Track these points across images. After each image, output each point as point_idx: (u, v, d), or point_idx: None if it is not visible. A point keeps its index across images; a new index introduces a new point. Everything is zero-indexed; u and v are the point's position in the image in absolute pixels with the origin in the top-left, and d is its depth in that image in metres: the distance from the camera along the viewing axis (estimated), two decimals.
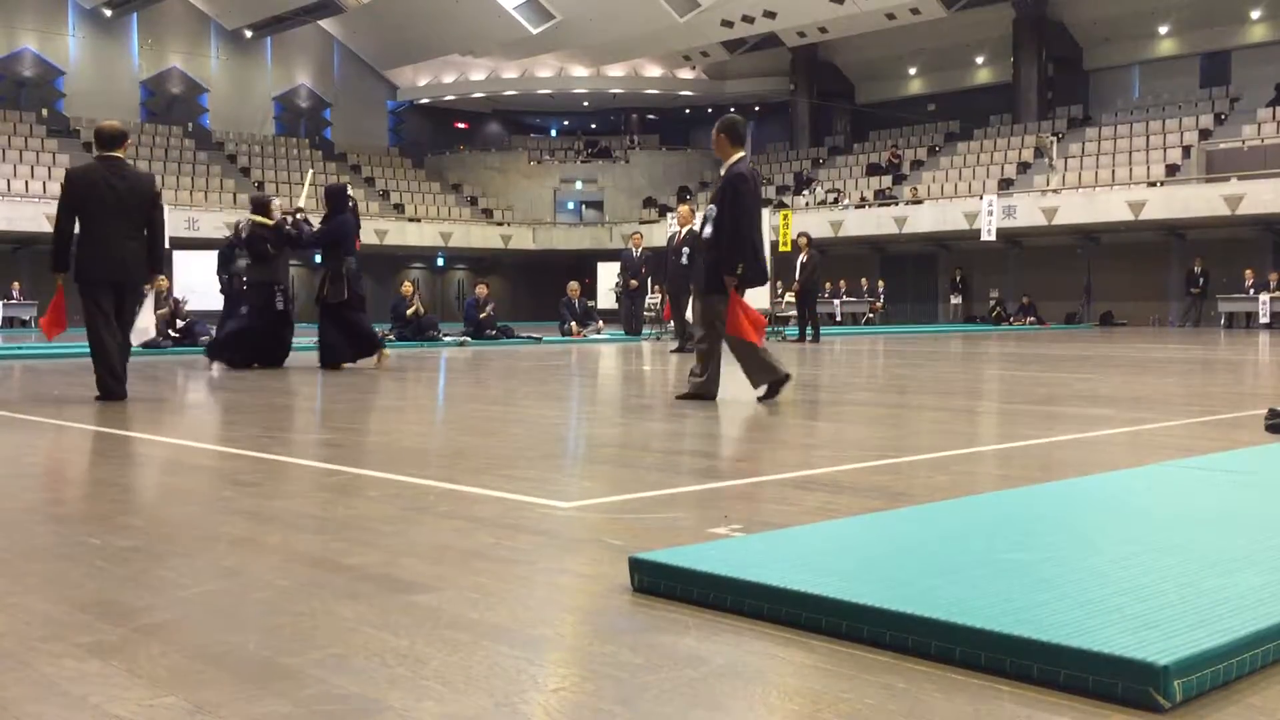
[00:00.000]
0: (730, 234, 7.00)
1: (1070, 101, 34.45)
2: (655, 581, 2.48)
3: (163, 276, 16.00)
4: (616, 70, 39.88)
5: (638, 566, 2.53)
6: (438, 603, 2.43)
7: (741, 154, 7.26)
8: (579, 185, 42.26)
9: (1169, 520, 3.07)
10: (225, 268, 15.71)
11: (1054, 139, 31.15)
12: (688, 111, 43.10)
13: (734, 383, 7.11)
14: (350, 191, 11.97)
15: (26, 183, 30.93)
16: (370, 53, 41.69)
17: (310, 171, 16.42)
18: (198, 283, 19.47)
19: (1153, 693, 1.77)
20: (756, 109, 43.00)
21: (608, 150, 42.76)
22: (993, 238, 28.79)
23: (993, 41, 35.31)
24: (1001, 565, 2.46)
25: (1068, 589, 2.24)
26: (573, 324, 19.78)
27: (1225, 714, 1.78)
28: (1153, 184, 27.83)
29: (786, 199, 34.08)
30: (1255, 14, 31.68)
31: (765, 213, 20.62)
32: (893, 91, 39.20)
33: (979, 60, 37.22)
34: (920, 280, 33.61)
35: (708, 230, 7.20)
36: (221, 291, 15.93)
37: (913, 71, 38.69)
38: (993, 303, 30.89)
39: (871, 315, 31.43)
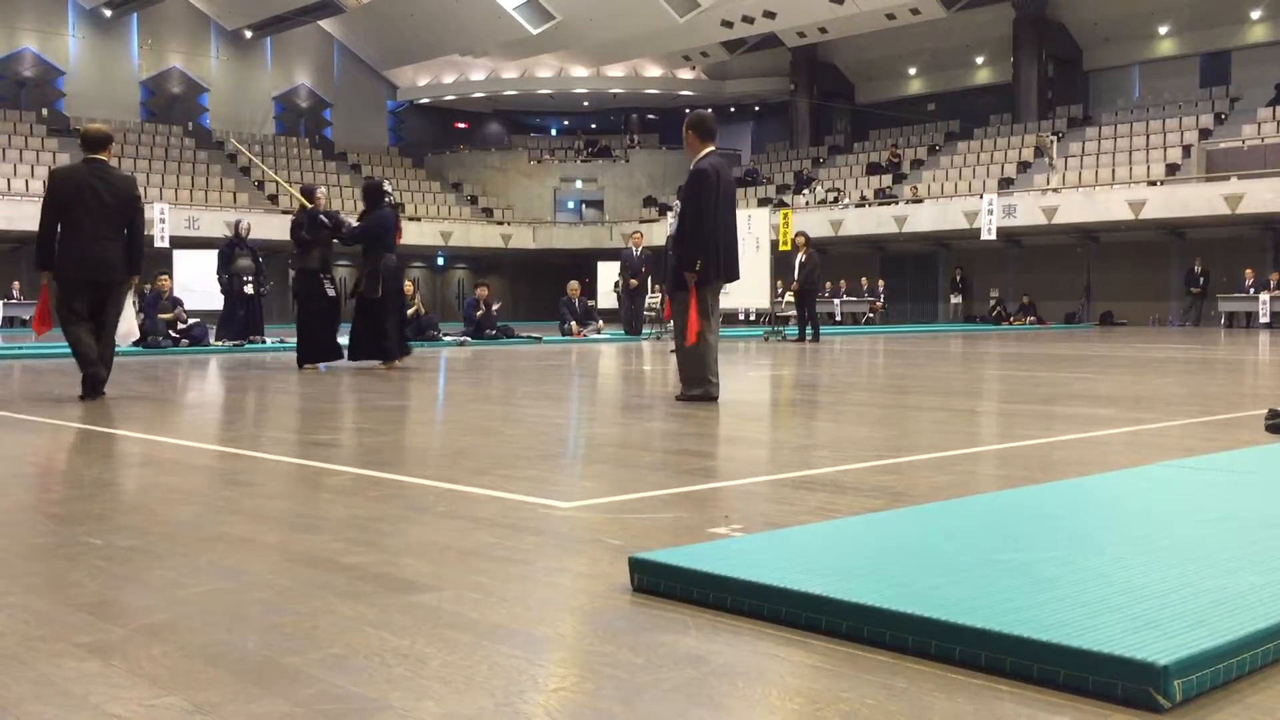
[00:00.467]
0: (690, 231, 7.00)
1: (1070, 101, 34.44)
2: (655, 581, 2.48)
3: (165, 277, 16.13)
4: (616, 70, 39.88)
5: (637, 566, 2.53)
6: (438, 602, 2.43)
7: (710, 149, 7.26)
8: (579, 185, 42.24)
9: (1169, 520, 3.07)
10: (225, 267, 15.73)
11: (1054, 139, 31.15)
12: (688, 111, 42.72)
13: (734, 383, 7.12)
14: (387, 188, 11.95)
15: (27, 182, 30.90)
16: (370, 53, 41.68)
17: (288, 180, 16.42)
18: (197, 282, 19.48)
19: (1152, 693, 1.77)
20: (756, 109, 43.01)
21: (608, 150, 42.73)
22: (993, 237, 28.82)
23: (992, 41, 35.32)
24: (1002, 565, 2.46)
25: (1068, 589, 2.24)
26: (573, 323, 19.75)
27: (1225, 714, 1.78)
28: (1153, 183, 27.82)
29: (786, 198, 34.09)
30: (1255, 14, 31.69)
31: (765, 212, 20.65)
32: (893, 91, 39.20)
33: (979, 60, 37.22)
34: (920, 280, 33.60)
35: (674, 227, 7.23)
36: (222, 291, 15.95)
37: (913, 71, 38.68)
38: (993, 302, 30.89)
39: (871, 315, 31.38)
